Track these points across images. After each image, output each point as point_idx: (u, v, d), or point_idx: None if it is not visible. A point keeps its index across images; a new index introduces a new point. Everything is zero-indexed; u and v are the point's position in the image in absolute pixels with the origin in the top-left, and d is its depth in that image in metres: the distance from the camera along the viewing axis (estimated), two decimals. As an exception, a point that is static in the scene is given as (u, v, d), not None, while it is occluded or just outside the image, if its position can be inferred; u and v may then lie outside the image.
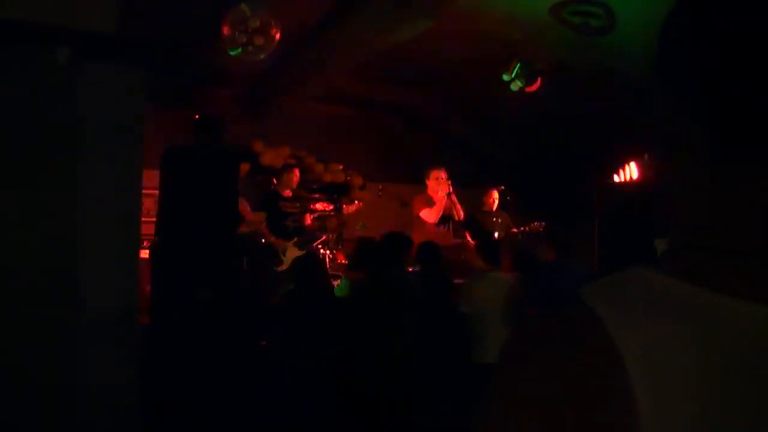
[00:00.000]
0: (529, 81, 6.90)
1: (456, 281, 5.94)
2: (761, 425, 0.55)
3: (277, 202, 7.11)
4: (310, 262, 5.04)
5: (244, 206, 6.76)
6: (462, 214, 7.16)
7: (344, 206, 7.61)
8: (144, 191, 4.14)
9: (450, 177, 7.09)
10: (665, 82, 0.66)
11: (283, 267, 6.79)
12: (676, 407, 0.55)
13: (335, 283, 6.22)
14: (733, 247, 0.60)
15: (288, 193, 7.26)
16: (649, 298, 0.60)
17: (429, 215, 6.99)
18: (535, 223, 7.12)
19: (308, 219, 7.37)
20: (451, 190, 7.02)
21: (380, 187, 8.33)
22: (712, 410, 0.55)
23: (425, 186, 7.19)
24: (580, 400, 0.57)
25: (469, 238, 7.18)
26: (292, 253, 6.74)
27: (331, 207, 8.53)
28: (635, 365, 0.56)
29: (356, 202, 7.54)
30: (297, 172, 7.46)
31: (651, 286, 0.61)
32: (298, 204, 7.36)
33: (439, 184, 7.03)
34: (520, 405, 0.61)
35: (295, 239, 7.03)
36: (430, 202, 7.06)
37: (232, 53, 5.52)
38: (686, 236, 0.65)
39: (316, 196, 8.65)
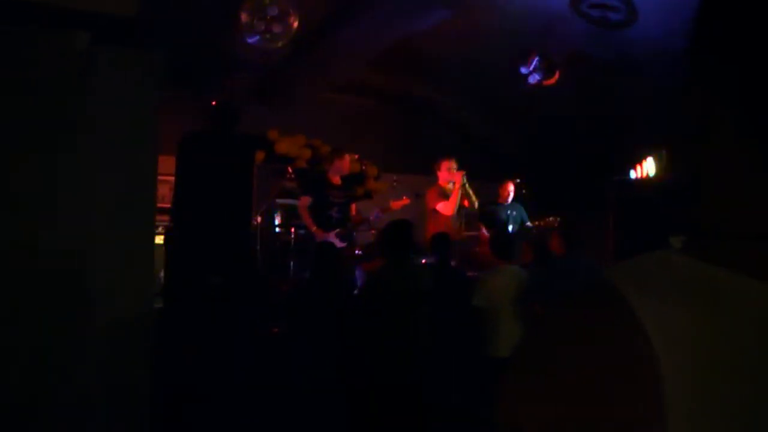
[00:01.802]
0: (547, 74, 6.86)
1: (468, 274, 5.93)
2: None
3: (325, 189, 6.62)
4: (327, 250, 5.02)
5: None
6: (476, 204, 7.11)
7: (392, 203, 7.26)
8: (159, 177, 4.15)
9: (462, 167, 7.00)
10: (700, 70, 0.65)
11: None
12: (705, 393, 0.55)
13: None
14: (763, 232, 0.60)
15: (337, 180, 6.69)
16: (678, 283, 0.60)
17: (446, 208, 6.92)
18: (550, 218, 7.08)
19: (353, 210, 6.98)
20: (465, 180, 6.95)
21: (395, 178, 8.31)
22: (742, 397, 0.55)
23: (436, 177, 7.11)
24: (609, 385, 0.57)
25: (483, 231, 7.16)
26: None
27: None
28: (666, 350, 0.56)
29: (405, 198, 7.22)
30: (348, 157, 6.86)
31: (679, 270, 0.61)
32: (345, 193, 6.80)
33: (451, 175, 6.96)
34: (548, 394, 0.61)
35: (337, 230, 6.58)
36: (444, 195, 7.00)
37: (250, 40, 5.51)
38: (715, 222, 0.64)
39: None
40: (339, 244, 6.30)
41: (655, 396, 0.55)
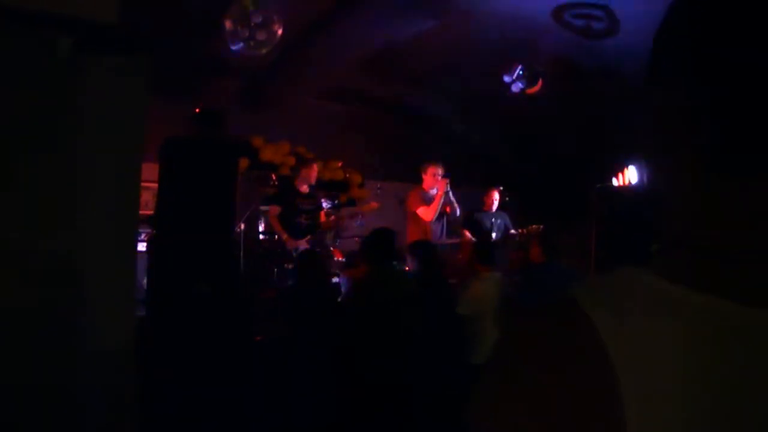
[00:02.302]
0: (530, 83, 6.90)
1: (450, 281, 5.95)
2: (751, 427, 0.55)
3: (294, 197, 6.84)
4: (311, 257, 5.02)
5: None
6: (458, 211, 7.13)
7: (359, 207, 7.43)
8: (142, 184, 4.12)
9: (447, 174, 7.04)
10: (664, 82, 0.66)
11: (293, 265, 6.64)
12: (662, 411, 0.56)
13: (333, 279, 6.21)
14: (726, 248, 0.60)
15: (305, 188, 6.98)
16: (640, 301, 0.61)
17: (426, 213, 6.93)
18: (534, 225, 7.11)
19: (323, 216, 7.20)
20: (448, 188, 6.97)
21: (378, 185, 8.33)
22: (700, 414, 0.55)
23: (421, 180, 7.12)
24: (572, 401, 0.59)
25: (467, 237, 7.17)
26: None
27: (330, 204, 8.55)
28: (625, 369, 0.57)
29: (372, 204, 7.36)
30: (316, 167, 7.17)
31: (642, 287, 0.62)
32: (313, 200, 7.09)
33: (435, 180, 6.98)
34: (512, 402, 0.63)
35: (308, 237, 6.80)
36: (426, 199, 7.00)
37: (234, 48, 5.51)
38: (679, 237, 0.65)
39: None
40: None
41: (615, 417, 0.56)
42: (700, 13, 0.62)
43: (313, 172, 7.03)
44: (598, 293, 0.64)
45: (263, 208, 7.40)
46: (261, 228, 7.66)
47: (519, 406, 0.62)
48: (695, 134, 0.61)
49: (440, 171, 7.00)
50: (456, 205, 7.08)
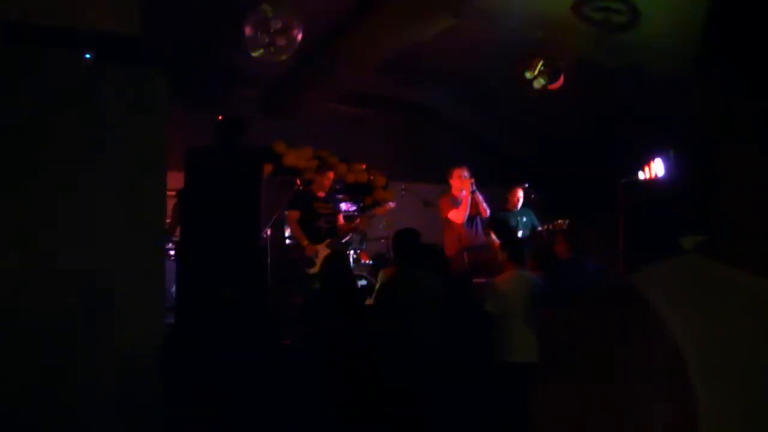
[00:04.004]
0: (551, 79, 6.84)
1: (480, 280, 5.93)
2: None
3: (311, 202, 7.00)
4: (338, 262, 5.03)
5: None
6: (487, 211, 7.13)
7: (375, 209, 7.53)
8: (168, 192, 4.17)
9: (472, 175, 7.06)
10: (724, 66, 0.63)
11: (315, 269, 6.71)
12: (732, 396, 0.54)
13: (360, 283, 6.22)
14: None
15: (321, 194, 7.13)
16: (702, 286, 0.59)
17: (457, 216, 6.99)
18: (559, 220, 7.06)
19: (341, 220, 7.30)
20: (474, 188, 6.98)
21: (403, 186, 8.32)
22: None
23: (449, 186, 7.17)
24: (636, 392, 0.56)
25: (493, 237, 7.15)
26: (324, 255, 6.62)
27: (355, 207, 8.57)
28: (691, 354, 0.55)
29: (389, 203, 7.44)
30: (331, 174, 7.35)
31: (704, 273, 0.60)
32: (330, 205, 7.25)
33: (462, 183, 7.01)
34: (574, 395, 0.60)
35: (328, 241, 6.88)
36: (455, 202, 7.04)
37: (254, 54, 5.54)
38: (735, 221, 0.63)
39: (340, 196, 8.68)
40: None
41: (686, 402, 0.54)
42: None
43: (328, 179, 7.20)
44: (658, 279, 0.61)
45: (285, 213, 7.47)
46: (287, 233, 7.69)
47: (584, 402, 0.59)
48: (755, 119, 0.60)
49: (465, 173, 7.03)
50: (485, 204, 7.08)
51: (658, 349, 0.56)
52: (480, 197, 7.07)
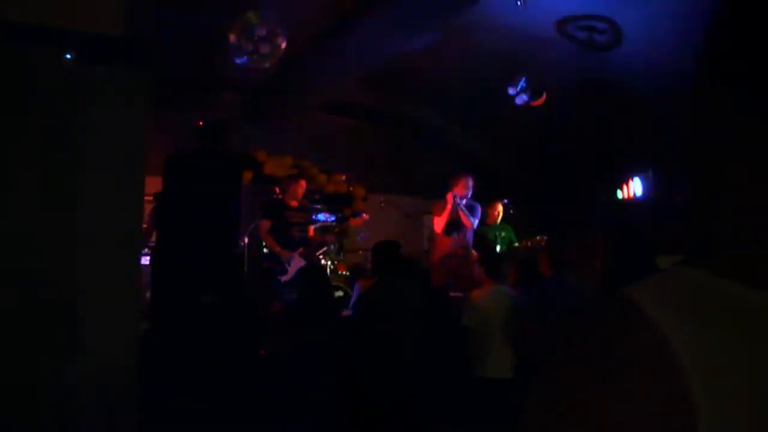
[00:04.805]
0: (534, 95, 6.89)
1: (455, 294, 5.91)
2: None
3: (283, 211, 7.01)
4: (314, 272, 5.00)
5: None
6: (472, 223, 7.09)
7: (351, 219, 7.56)
8: (146, 197, 4.12)
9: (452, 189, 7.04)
10: (719, 82, 0.63)
11: (287, 277, 6.72)
12: (734, 412, 0.52)
13: (336, 293, 6.20)
14: None
15: (294, 203, 7.15)
16: (699, 299, 0.57)
17: (437, 223, 7.03)
18: (538, 237, 7.08)
19: (311, 230, 7.35)
20: (458, 200, 6.97)
21: (382, 199, 8.32)
22: None
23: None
24: (639, 408, 0.54)
25: (472, 251, 7.15)
26: (296, 263, 6.68)
27: (333, 218, 8.56)
28: (692, 367, 0.53)
29: (363, 215, 7.46)
30: (303, 183, 7.33)
31: (700, 286, 0.58)
32: (303, 214, 7.30)
33: (462, 192, 6.99)
34: (574, 413, 0.58)
35: (301, 250, 6.93)
36: (442, 210, 7.04)
37: (237, 61, 5.51)
38: (734, 234, 0.62)
39: (319, 206, 8.66)
40: (300, 263, 6.62)
41: (686, 412, 0.52)
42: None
43: (300, 187, 7.21)
44: (653, 292, 0.59)
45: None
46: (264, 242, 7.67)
47: (579, 420, 0.57)
48: (756, 127, 0.60)
49: (469, 182, 7.02)
50: (469, 218, 7.06)
51: (656, 360, 0.54)
52: (463, 210, 7.03)
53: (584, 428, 0.56)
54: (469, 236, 7.17)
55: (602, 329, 0.60)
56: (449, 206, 6.92)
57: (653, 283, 0.61)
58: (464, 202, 7.00)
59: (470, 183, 7.03)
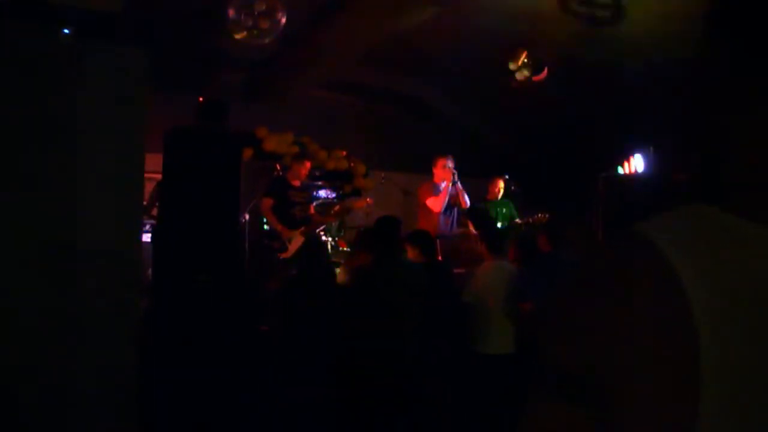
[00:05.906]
0: (535, 70, 6.85)
1: (457, 270, 5.92)
2: None
3: (286, 190, 7.04)
4: (314, 248, 5.01)
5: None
6: (467, 203, 7.16)
7: (355, 202, 7.56)
8: (144, 175, 4.10)
9: (456, 166, 7.09)
10: (721, 38, 0.67)
11: (287, 255, 6.73)
12: (734, 336, 0.56)
13: (337, 270, 6.20)
14: None
15: (297, 182, 7.18)
16: (703, 231, 0.62)
17: (435, 203, 7.05)
18: (539, 213, 7.08)
19: (311, 209, 7.36)
20: (456, 179, 7.03)
21: (383, 175, 8.30)
22: None
23: (432, 174, 7.20)
24: (646, 328, 0.59)
25: (471, 228, 7.15)
26: (297, 242, 6.69)
27: (334, 194, 8.55)
28: (697, 296, 0.58)
29: (368, 199, 7.45)
30: (308, 164, 7.38)
31: (705, 219, 0.63)
32: (305, 193, 7.32)
33: (445, 173, 7.05)
34: (588, 332, 0.64)
35: (302, 228, 6.93)
36: (435, 190, 7.07)
37: (237, 37, 5.47)
38: (741, 177, 0.66)
39: (320, 183, 8.65)
40: (301, 242, 6.65)
41: (688, 342, 0.56)
42: None
43: (305, 168, 7.24)
44: (664, 227, 0.64)
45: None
46: (265, 219, 7.66)
47: (596, 344, 0.62)
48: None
49: (450, 163, 7.08)
50: (466, 197, 7.12)
51: (662, 283, 0.60)
52: (461, 189, 7.09)
53: (597, 336, 0.63)
54: (457, 215, 7.28)
55: (616, 256, 0.67)
56: (447, 186, 6.99)
57: (662, 219, 0.66)
58: (443, 184, 7.08)
59: (450, 163, 7.12)
